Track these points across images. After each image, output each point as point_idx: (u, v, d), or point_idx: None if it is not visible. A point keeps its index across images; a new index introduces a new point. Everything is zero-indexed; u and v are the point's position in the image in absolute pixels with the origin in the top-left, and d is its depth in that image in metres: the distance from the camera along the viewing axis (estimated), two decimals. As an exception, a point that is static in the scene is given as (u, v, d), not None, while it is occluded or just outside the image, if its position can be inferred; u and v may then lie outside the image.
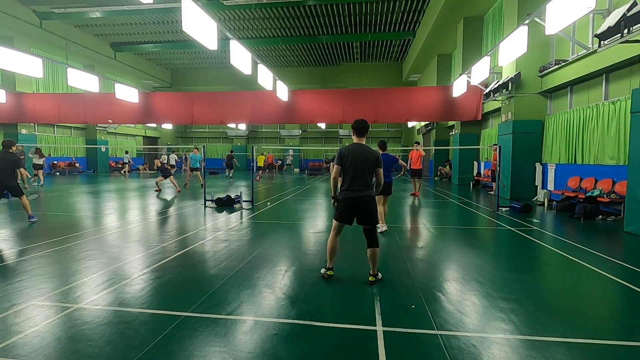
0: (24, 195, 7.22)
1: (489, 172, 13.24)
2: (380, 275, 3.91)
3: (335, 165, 3.86)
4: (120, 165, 25.96)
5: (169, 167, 14.38)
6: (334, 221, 3.91)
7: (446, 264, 4.70)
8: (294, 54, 25.49)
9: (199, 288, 3.67)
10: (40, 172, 15.16)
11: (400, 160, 6.75)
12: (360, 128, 3.88)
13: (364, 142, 3.91)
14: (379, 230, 6.16)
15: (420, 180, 12.25)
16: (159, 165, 13.35)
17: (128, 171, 24.12)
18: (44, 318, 2.95)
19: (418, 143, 12.70)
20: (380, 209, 6.34)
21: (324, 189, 14.07)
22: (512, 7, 11.06)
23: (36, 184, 14.66)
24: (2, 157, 6.90)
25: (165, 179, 12.96)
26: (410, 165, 12.31)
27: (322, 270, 4.06)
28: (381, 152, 6.34)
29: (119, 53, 23.99)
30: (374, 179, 3.93)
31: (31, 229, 6.58)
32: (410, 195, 12.15)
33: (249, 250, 5.14)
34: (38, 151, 15.55)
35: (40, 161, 15.34)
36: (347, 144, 3.94)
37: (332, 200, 3.94)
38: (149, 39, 22.65)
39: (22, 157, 11.64)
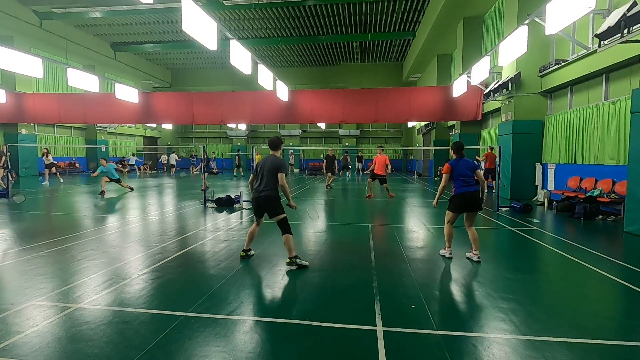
0: None
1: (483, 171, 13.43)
2: (299, 261, 4.40)
3: (252, 174, 4.79)
4: (120, 166, 26.03)
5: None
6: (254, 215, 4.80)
7: (446, 264, 4.70)
8: (294, 54, 25.50)
9: (199, 288, 3.67)
10: (48, 171, 15.75)
11: (478, 170, 4.93)
12: (271, 144, 4.77)
13: (276, 154, 4.73)
14: (440, 253, 5.07)
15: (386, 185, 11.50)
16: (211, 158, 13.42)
17: (127, 171, 24.14)
18: (44, 318, 2.95)
19: (382, 147, 12.15)
20: (447, 228, 4.98)
21: (324, 189, 14.06)
22: (512, 7, 11.06)
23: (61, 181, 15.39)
24: None
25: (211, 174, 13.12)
26: (373, 169, 11.54)
27: (242, 253, 4.80)
28: (455, 157, 4.89)
29: (119, 53, 24.00)
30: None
31: (31, 229, 6.57)
32: (366, 197, 11.39)
33: (249, 250, 5.14)
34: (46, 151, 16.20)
35: (49, 160, 15.88)
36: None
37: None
38: (149, 39, 22.66)
39: (4, 156, 11.92)
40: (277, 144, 4.78)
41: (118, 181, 12.40)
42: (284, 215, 4.53)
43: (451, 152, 5.00)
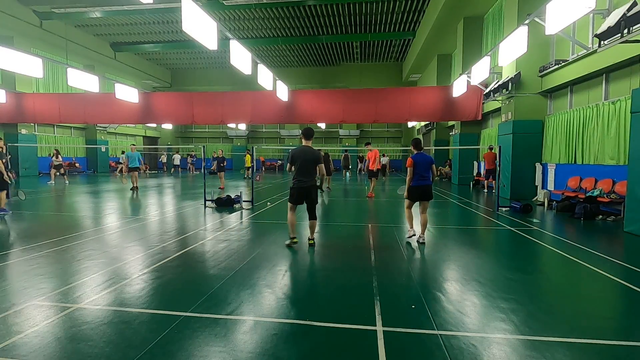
0: (3, 191, 7.59)
1: (485, 171, 13.47)
2: (314, 240, 5.42)
3: (289, 164, 5.22)
4: (114, 166, 26.06)
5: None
6: (289, 203, 5.32)
7: (446, 264, 4.70)
8: (294, 54, 25.49)
9: (199, 288, 3.67)
10: (56, 171, 16.12)
11: (433, 165, 5.75)
12: (307, 134, 5.22)
13: (310, 144, 5.23)
14: (406, 236, 5.85)
15: (374, 181, 11.97)
16: (220, 155, 13.83)
17: (124, 171, 24.15)
18: (44, 318, 2.95)
19: (370, 143, 12.37)
20: (407, 213, 5.85)
21: (324, 192, 14.05)
22: (512, 7, 11.06)
23: (62, 182, 15.51)
24: None
25: (220, 172, 13.68)
26: (367, 166, 11.81)
27: (287, 242, 5.35)
28: (416, 152, 5.71)
29: (119, 53, 24.00)
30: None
31: (31, 229, 6.57)
32: (367, 197, 11.60)
33: (249, 250, 5.14)
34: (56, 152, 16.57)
35: (58, 161, 16.25)
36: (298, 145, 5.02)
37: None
38: (149, 39, 22.65)
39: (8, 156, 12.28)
40: (312, 134, 5.24)
41: (135, 169, 12.90)
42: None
43: (411, 147, 5.87)
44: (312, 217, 5.34)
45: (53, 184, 15.32)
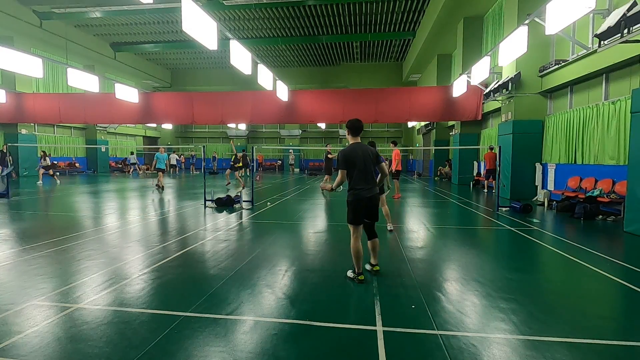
0: None
1: (485, 171, 13.44)
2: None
3: (341, 171, 3.77)
4: (120, 165, 26.09)
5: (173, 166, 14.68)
6: (352, 226, 3.85)
7: (446, 264, 4.70)
8: (294, 54, 25.49)
9: (199, 288, 3.67)
10: (44, 171, 15.94)
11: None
12: (357, 127, 3.89)
13: (359, 140, 3.94)
14: (388, 229, 6.47)
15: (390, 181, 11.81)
16: (241, 156, 14.21)
17: (146, 170, 24.21)
18: (44, 318, 2.95)
19: (395, 142, 11.98)
20: (384, 208, 6.38)
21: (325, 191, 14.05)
22: (512, 7, 11.06)
23: (40, 183, 15.24)
24: None
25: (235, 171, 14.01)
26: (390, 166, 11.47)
27: (350, 274, 3.94)
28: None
29: (119, 53, 24.00)
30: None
31: (31, 229, 6.57)
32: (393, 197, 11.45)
33: (249, 250, 5.14)
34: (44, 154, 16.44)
35: (46, 163, 16.09)
36: (347, 145, 3.96)
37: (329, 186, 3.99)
38: (149, 39, 22.65)
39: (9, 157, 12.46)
40: (362, 127, 3.93)
41: (162, 171, 13.23)
42: None
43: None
44: (374, 234, 4.06)
45: (42, 183, 15.23)
